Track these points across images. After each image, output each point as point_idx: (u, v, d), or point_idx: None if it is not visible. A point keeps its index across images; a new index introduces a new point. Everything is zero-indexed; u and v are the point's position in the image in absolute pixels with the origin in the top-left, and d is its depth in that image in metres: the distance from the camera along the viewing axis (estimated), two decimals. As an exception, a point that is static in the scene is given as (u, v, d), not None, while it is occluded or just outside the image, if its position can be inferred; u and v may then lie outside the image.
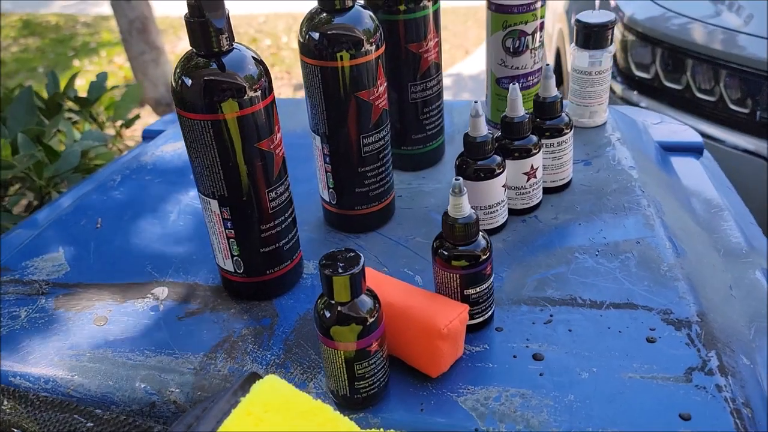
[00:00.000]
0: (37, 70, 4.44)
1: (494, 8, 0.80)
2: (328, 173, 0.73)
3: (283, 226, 0.65)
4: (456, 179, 0.58)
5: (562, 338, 0.60)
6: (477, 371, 0.58)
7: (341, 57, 0.65)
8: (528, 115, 0.72)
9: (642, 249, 0.69)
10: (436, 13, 0.77)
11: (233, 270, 0.65)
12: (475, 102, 0.69)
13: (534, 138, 0.73)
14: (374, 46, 0.67)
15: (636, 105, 1.69)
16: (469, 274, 0.59)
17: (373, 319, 0.52)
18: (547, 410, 0.53)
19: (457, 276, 0.59)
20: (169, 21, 5.35)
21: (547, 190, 0.79)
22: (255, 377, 0.47)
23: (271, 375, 0.47)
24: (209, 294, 0.69)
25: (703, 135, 1.59)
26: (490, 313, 0.62)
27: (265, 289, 0.67)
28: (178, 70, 0.58)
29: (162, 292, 0.69)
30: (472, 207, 0.69)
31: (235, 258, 0.64)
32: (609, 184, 0.79)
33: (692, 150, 0.95)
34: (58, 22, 5.42)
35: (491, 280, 0.61)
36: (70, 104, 1.32)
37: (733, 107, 1.55)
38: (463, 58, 4.30)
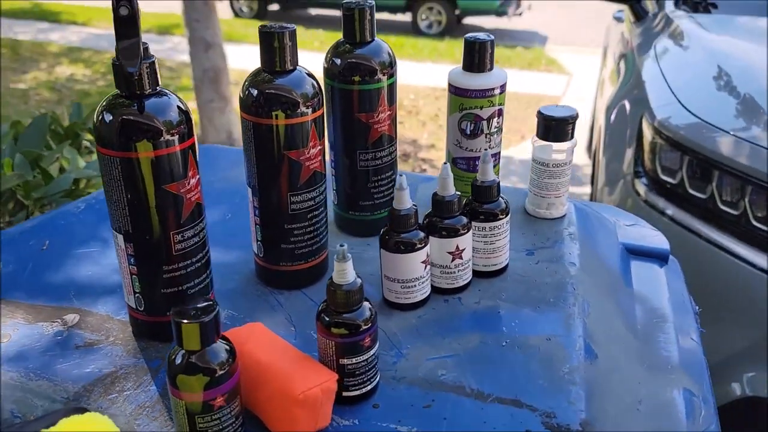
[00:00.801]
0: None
1: (453, 90, 0.82)
2: (257, 225, 0.74)
3: (189, 269, 0.66)
4: (341, 245, 0.58)
5: (434, 426, 0.58)
6: (335, 445, 0.56)
7: (276, 116, 0.68)
8: (458, 195, 0.72)
9: (550, 347, 0.66)
10: (391, 87, 0.79)
11: (135, 306, 0.67)
12: (400, 175, 0.69)
13: (464, 219, 0.73)
14: (310, 109, 0.69)
15: (660, 211, 1.65)
16: (346, 343, 0.58)
17: (222, 372, 0.52)
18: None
19: (333, 343, 0.58)
20: (245, 74, 5.61)
21: (479, 274, 0.77)
22: (80, 411, 0.47)
23: (95, 413, 0.47)
24: (116, 327, 0.70)
25: (722, 249, 1.54)
26: (369, 387, 0.61)
27: (165, 331, 0.67)
28: (100, 108, 0.61)
29: (73, 318, 0.71)
30: (390, 279, 0.69)
31: (136, 294, 0.66)
32: (543, 277, 0.77)
33: (657, 256, 0.92)
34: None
35: (371, 352, 0.60)
36: (89, 135, 1.39)
37: (756, 224, 1.49)
38: (518, 143, 4.34)
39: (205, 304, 0.52)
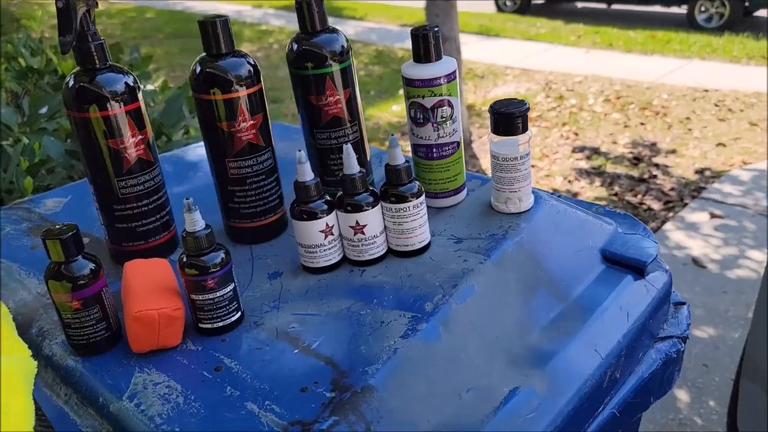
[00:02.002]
0: (369, 93, 5.21)
1: (404, 80, 0.86)
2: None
3: (135, 211, 0.83)
4: (186, 198, 0.70)
5: (251, 364, 0.67)
6: (168, 361, 0.69)
7: (213, 92, 0.81)
8: (360, 173, 0.78)
9: (397, 322, 0.70)
10: (344, 72, 0.86)
11: (102, 236, 0.86)
12: (299, 150, 0.78)
13: (370, 197, 0.79)
14: (243, 87, 0.81)
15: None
16: (194, 281, 0.70)
17: (82, 282, 0.68)
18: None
19: (185, 281, 0.71)
20: (492, 68, 5.74)
21: (396, 252, 0.82)
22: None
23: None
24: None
25: None
26: (221, 323, 0.72)
27: (118, 257, 0.86)
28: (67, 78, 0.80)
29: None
30: (298, 243, 0.79)
31: (102, 226, 0.85)
32: (450, 263, 0.79)
33: (632, 267, 0.85)
34: (404, 55, 6.22)
35: (218, 293, 0.71)
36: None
37: None
38: None
39: (68, 226, 0.68)
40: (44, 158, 1.31)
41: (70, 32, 0.73)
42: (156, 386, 0.66)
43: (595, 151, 4.12)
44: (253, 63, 0.83)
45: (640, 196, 3.56)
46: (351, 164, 0.78)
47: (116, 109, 0.79)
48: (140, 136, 0.81)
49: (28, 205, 1.04)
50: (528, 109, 0.84)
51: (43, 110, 1.51)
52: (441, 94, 0.85)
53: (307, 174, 0.78)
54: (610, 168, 3.94)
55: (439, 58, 0.85)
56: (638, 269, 0.85)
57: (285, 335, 0.71)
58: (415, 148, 0.90)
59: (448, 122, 0.87)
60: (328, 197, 0.80)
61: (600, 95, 5.07)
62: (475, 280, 0.76)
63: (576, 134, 4.42)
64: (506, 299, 0.76)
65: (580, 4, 7.73)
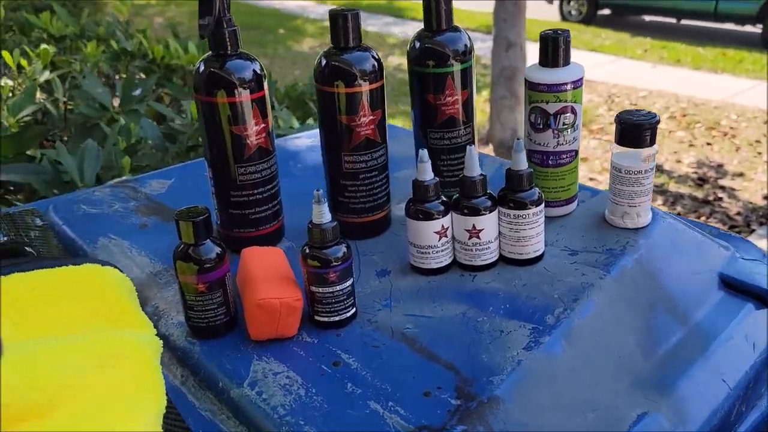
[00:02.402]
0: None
1: (527, 84, 0.85)
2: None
3: (251, 198, 0.83)
4: (317, 190, 0.69)
5: (369, 361, 0.67)
6: (285, 351, 0.69)
7: (337, 85, 0.81)
8: (481, 176, 0.77)
9: (516, 332, 0.69)
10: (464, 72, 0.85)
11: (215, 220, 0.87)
12: (422, 149, 0.77)
13: (488, 202, 0.78)
14: (367, 82, 0.80)
15: None
16: (315, 273, 0.70)
17: (209, 265, 0.68)
18: (294, 405, 0.63)
19: (306, 272, 0.71)
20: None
21: (508, 260, 0.81)
22: (104, 264, 0.67)
23: (114, 270, 0.67)
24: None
25: None
26: (337, 318, 0.71)
27: (231, 243, 0.86)
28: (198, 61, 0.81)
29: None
30: (410, 243, 0.78)
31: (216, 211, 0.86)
32: (567, 276, 0.77)
33: (754, 296, 0.82)
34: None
35: (337, 287, 0.70)
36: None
37: None
38: None
39: (200, 210, 0.69)
40: (139, 139, 1.34)
41: (210, 15, 0.74)
42: (276, 376, 0.66)
43: (659, 169, 4.03)
44: (377, 58, 0.82)
45: (703, 218, 3.47)
46: (472, 166, 0.77)
47: (243, 96, 0.79)
48: (263, 125, 0.81)
49: (133, 184, 1.06)
50: (658, 121, 0.81)
51: (137, 92, 1.54)
52: (566, 101, 0.83)
53: (428, 173, 0.77)
54: (673, 187, 3.85)
55: (567, 63, 0.83)
56: (761, 298, 0.81)
57: (401, 335, 0.70)
58: (531, 153, 0.88)
59: (569, 130, 0.85)
60: (444, 198, 0.79)
61: (665, 111, 4.96)
62: (596, 295, 0.74)
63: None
64: (627, 318, 0.74)
65: (647, 18, 7.57)
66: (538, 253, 0.80)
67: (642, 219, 0.85)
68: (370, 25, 7.41)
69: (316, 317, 0.72)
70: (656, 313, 0.76)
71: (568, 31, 0.83)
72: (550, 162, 0.86)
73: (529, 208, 0.78)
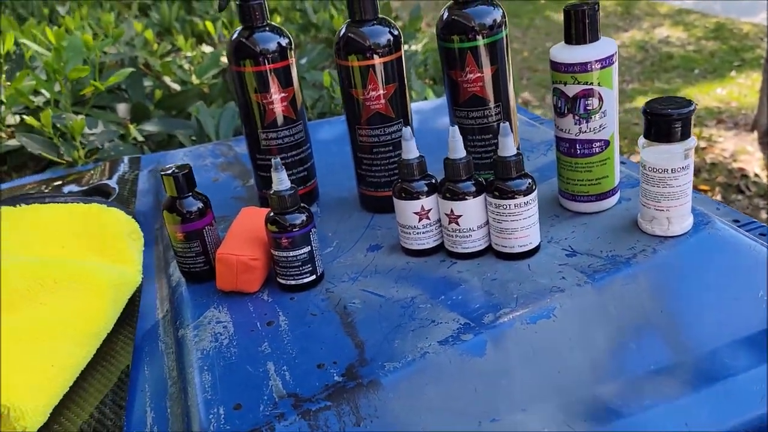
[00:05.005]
0: (693, 72, 4.66)
1: (550, 64, 0.76)
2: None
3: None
4: (273, 158, 0.72)
5: (299, 321, 0.69)
6: (239, 305, 0.74)
7: (350, 59, 0.82)
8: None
9: (446, 323, 0.65)
10: (492, 47, 0.80)
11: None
12: (406, 126, 0.75)
13: (471, 187, 0.73)
14: (377, 56, 0.80)
15: None
16: (272, 237, 0.73)
17: (189, 217, 0.76)
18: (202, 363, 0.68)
19: (267, 235, 0.74)
20: None
21: (496, 252, 0.75)
22: (110, 205, 0.79)
23: (119, 212, 0.79)
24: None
25: None
26: (293, 282, 0.74)
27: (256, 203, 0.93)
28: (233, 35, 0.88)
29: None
30: (396, 221, 0.78)
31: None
32: (543, 277, 0.69)
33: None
34: (750, 31, 5.39)
35: (292, 253, 0.73)
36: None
37: None
38: None
39: (182, 167, 0.76)
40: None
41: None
42: (217, 324, 0.71)
43: None
44: (396, 33, 0.81)
45: None
46: (455, 147, 0.72)
47: (266, 65, 0.84)
48: (284, 93, 0.86)
49: (232, 143, 1.19)
50: (693, 110, 0.67)
51: (303, 60, 1.67)
52: (587, 83, 0.73)
53: (412, 152, 0.75)
54: None
55: (594, 39, 0.73)
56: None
57: (342, 309, 0.71)
58: (558, 140, 0.79)
59: (594, 116, 0.74)
60: (434, 180, 0.76)
61: None
62: (558, 302, 0.66)
63: None
64: (591, 334, 0.64)
65: None
66: (525, 249, 0.73)
67: (674, 226, 0.72)
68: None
69: (278, 279, 0.76)
70: (640, 339, 0.64)
71: (597, 3, 0.72)
72: (577, 152, 0.77)
73: (513, 198, 0.71)
